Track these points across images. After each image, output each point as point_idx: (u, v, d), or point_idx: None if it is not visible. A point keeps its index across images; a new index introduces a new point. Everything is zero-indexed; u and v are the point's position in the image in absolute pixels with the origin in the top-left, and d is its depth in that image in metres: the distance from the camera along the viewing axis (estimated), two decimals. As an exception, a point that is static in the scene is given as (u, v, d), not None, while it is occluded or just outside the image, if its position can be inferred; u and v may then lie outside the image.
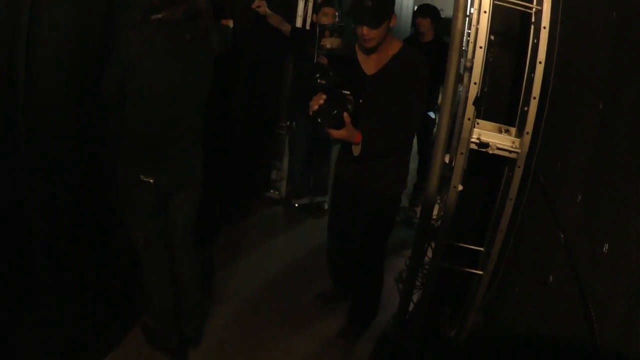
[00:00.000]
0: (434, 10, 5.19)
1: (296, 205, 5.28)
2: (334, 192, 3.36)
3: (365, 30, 2.67)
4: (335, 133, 2.63)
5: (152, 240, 2.75)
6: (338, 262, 3.61)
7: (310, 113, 2.63)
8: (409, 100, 2.74)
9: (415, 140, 5.70)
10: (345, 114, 2.57)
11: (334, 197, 3.37)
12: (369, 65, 2.87)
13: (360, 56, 2.91)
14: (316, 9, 4.59)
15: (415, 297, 3.03)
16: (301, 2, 5.05)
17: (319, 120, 2.60)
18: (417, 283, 3.01)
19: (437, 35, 5.17)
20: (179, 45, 2.46)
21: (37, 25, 2.04)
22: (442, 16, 5.45)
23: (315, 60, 3.99)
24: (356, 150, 2.70)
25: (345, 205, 3.24)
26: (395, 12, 2.76)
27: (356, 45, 2.92)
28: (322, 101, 2.60)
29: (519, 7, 2.41)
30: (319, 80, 2.63)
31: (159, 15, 2.36)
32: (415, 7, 12.68)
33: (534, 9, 2.41)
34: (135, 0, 2.52)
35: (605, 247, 1.32)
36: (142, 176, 2.55)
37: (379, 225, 3.14)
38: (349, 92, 2.61)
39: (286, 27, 4.41)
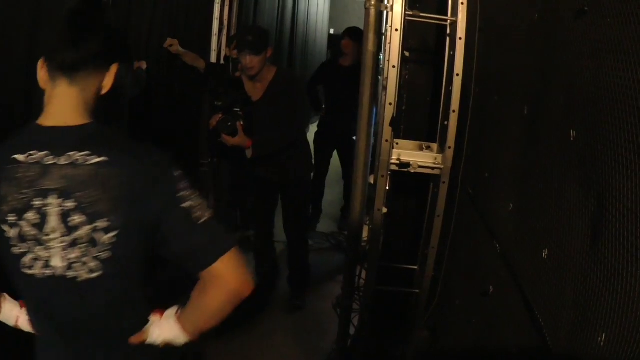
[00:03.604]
0: (360, 33, 4.90)
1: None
2: (256, 189, 4.00)
3: (248, 59, 3.37)
4: (230, 140, 3.33)
5: None
6: (264, 248, 4.12)
7: (210, 127, 3.40)
8: (290, 110, 3.50)
9: (339, 163, 5.74)
10: (238, 123, 3.33)
11: (257, 193, 4.01)
12: (254, 92, 3.57)
13: (247, 84, 3.58)
14: (229, 42, 4.58)
15: (355, 321, 2.97)
16: (214, 37, 5.02)
17: (218, 130, 3.33)
18: (356, 307, 2.95)
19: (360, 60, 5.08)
20: None
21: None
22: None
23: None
24: (249, 153, 3.40)
25: (265, 196, 3.98)
26: (271, 45, 3.56)
27: (242, 76, 3.60)
28: (219, 117, 3.34)
29: (433, 21, 2.42)
30: (216, 103, 3.56)
31: None
32: (331, 31, 12.82)
33: (448, 21, 2.41)
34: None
35: (545, 252, 1.30)
36: None
37: (299, 202, 3.96)
38: (239, 109, 3.40)
39: (200, 64, 4.39)
